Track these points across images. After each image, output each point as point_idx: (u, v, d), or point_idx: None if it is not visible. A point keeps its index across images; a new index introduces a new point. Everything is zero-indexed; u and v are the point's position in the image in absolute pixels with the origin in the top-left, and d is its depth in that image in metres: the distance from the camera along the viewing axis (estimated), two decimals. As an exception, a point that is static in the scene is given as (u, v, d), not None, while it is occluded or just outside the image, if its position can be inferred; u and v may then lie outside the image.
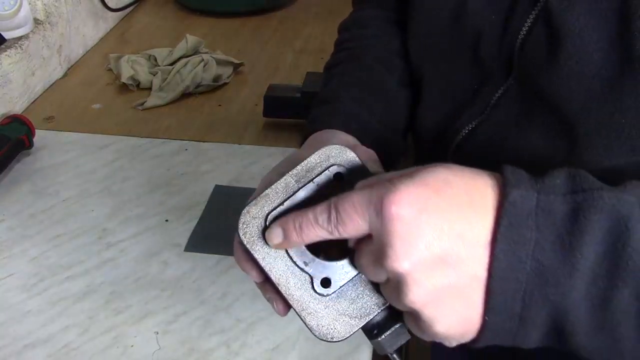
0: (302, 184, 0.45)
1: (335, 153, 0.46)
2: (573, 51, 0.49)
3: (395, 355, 0.47)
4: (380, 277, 0.42)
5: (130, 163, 0.97)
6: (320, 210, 0.42)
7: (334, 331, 0.44)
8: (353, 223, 0.41)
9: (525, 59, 0.53)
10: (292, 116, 1.04)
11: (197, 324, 0.71)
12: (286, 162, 0.53)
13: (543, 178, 0.40)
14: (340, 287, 0.44)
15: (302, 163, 0.46)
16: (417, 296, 0.39)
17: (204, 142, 1.02)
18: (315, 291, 0.44)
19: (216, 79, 1.16)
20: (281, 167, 0.52)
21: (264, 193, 0.45)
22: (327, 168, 0.45)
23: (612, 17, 0.47)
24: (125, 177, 0.94)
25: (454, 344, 0.42)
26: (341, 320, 0.44)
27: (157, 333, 0.70)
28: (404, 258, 0.39)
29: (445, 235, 0.39)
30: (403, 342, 0.46)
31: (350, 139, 0.59)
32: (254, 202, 0.45)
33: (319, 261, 0.44)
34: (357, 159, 0.46)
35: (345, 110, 0.63)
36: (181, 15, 1.46)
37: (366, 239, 0.42)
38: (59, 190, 0.91)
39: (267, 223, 0.44)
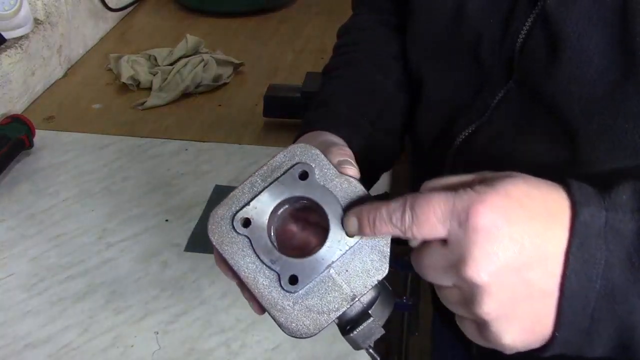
0: (268, 183, 0.46)
1: (300, 152, 0.46)
2: (573, 55, 0.48)
3: (371, 350, 0.47)
4: (444, 282, 0.42)
5: (130, 163, 0.97)
6: (393, 208, 0.41)
7: (303, 327, 0.44)
8: (430, 226, 0.40)
9: (525, 62, 0.53)
10: (292, 116, 1.04)
11: (197, 324, 0.71)
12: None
13: (609, 193, 0.41)
14: (308, 283, 0.44)
15: (268, 162, 0.46)
16: (491, 308, 0.39)
17: (204, 142, 1.02)
18: (283, 288, 0.44)
19: (216, 79, 1.16)
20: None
21: (231, 194, 0.46)
22: (292, 167, 0.45)
23: (612, 21, 0.46)
24: (125, 177, 0.94)
25: (514, 352, 0.42)
26: (310, 316, 0.44)
27: (157, 333, 0.70)
28: (485, 269, 0.39)
29: (526, 249, 0.39)
30: (377, 337, 0.46)
31: (335, 138, 0.59)
32: (221, 203, 0.46)
33: (286, 259, 0.44)
34: (321, 156, 0.46)
35: (337, 113, 0.63)
36: (181, 15, 1.46)
37: (435, 241, 0.41)
38: (59, 190, 0.91)
39: (234, 223, 0.45)
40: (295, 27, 1.41)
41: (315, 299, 0.44)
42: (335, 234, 0.44)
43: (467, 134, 0.59)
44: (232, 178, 0.93)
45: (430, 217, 0.40)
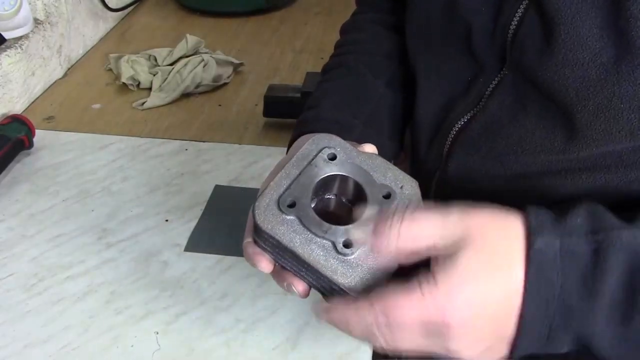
0: (302, 168, 0.49)
1: (324, 139, 0.51)
2: (566, 38, 0.49)
3: None
4: (415, 339, 0.45)
5: (130, 163, 0.97)
6: (363, 315, 0.43)
7: (369, 283, 0.46)
8: (408, 337, 0.43)
9: (518, 48, 0.54)
10: (292, 116, 1.03)
11: (197, 324, 0.71)
12: (277, 167, 0.57)
13: (565, 217, 0.44)
14: (362, 244, 0.46)
15: (297, 154, 0.50)
16: (460, 346, 0.43)
17: (204, 142, 1.02)
18: (340, 253, 0.46)
19: (216, 79, 1.16)
20: (273, 172, 0.55)
21: (268, 186, 0.49)
22: (320, 151, 0.50)
23: (604, 3, 0.47)
24: (125, 177, 0.94)
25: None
26: (372, 274, 0.46)
27: (157, 333, 0.70)
28: (467, 346, 0.43)
29: (493, 303, 0.43)
30: None
31: None
32: (262, 195, 0.49)
33: (336, 227, 0.47)
34: (343, 141, 0.51)
35: (326, 116, 0.65)
36: (181, 15, 1.46)
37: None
38: (59, 190, 0.91)
39: (280, 207, 0.48)
40: (295, 27, 1.41)
41: (372, 257, 0.46)
42: (374, 199, 0.48)
43: (463, 122, 0.59)
44: (232, 178, 0.93)
45: (406, 334, 0.43)
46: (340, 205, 0.52)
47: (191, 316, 0.72)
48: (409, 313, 0.42)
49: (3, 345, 0.69)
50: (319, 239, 0.47)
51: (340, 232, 0.47)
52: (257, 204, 0.48)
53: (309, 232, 0.47)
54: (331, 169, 0.49)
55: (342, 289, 0.46)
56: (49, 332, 0.71)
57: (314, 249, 0.46)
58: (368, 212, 0.47)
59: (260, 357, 0.68)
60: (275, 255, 0.50)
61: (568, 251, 0.43)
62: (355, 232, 0.47)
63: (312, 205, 0.50)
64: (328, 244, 0.46)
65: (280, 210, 0.47)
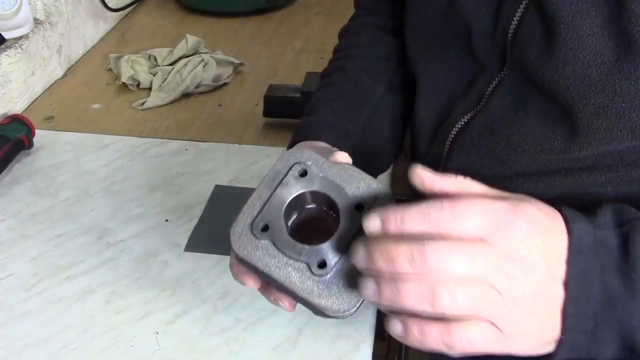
0: (274, 189, 0.49)
1: (295, 154, 0.50)
2: (567, 38, 0.49)
3: None
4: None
5: (130, 163, 0.97)
6: (427, 205, 0.42)
7: (344, 304, 0.46)
8: (471, 220, 0.41)
9: (519, 48, 0.54)
10: (292, 116, 1.04)
11: (197, 324, 0.71)
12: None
13: (595, 215, 0.45)
14: (337, 264, 0.46)
15: (268, 172, 0.50)
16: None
17: (204, 142, 1.02)
18: (315, 274, 0.46)
19: (216, 79, 1.16)
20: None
21: (242, 209, 0.49)
22: (291, 168, 0.49)
23: (605, 2, 0.47)
24: (125, 177, 0.94)
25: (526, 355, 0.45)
26: (348, 292, 0.46)
27: (157, 333, 0.70)
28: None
29: (540, 259, 0.42)
30: None
31: (324, 144, 0.61)
32: (236, 220, 0.49)
33: (309, 248, 0.47)
34: (314, 154, 0.50)
35: (323, 122, 0.65)
36: (181, 15, 1.46)
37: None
38: (59, 190, 0.91)
39: (254, 232, 0.48)
40: (295, 27, 1.41)
41: (347, 276, 0.46)
42: (347, 215, 0.47)
43: (463, 122, 0.59)
44: (232, 178, 0.93)
45: (470, 210, 0.41)
46: (322, 212, 0.51)
47: (191, 316, 0.72)
48: (478, 204, 0.41)
49: (3, 345, 0.69)
50: (293, 261, 0.47)
51: (314, 253, 0.47)
52: (232, 229, 0.48)
53: (283, 255, 0.47)
54: (302, 187, 0.49)
55: (320, 309, 0.46)
56: (49, 332, 0.71)
57: (290, 271, 0.47)
58: (340, 229, 0.47)
59: (260, 357, 0.68)
60: (258, 274, 0.50)
61: (602, 242, 0.43)
62: (329, 251, 0.46)
63: (294, 217, 0.49)
64: (303, 265, 0.46)
65: (254, 235, 0.47)
